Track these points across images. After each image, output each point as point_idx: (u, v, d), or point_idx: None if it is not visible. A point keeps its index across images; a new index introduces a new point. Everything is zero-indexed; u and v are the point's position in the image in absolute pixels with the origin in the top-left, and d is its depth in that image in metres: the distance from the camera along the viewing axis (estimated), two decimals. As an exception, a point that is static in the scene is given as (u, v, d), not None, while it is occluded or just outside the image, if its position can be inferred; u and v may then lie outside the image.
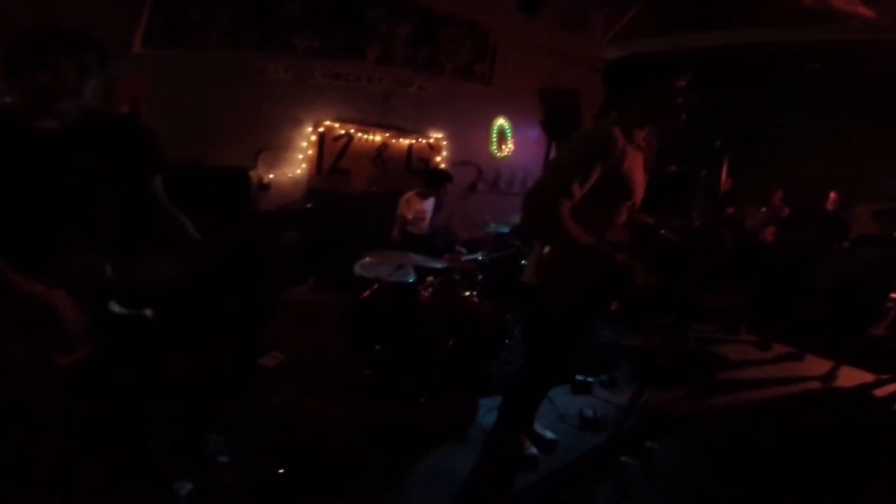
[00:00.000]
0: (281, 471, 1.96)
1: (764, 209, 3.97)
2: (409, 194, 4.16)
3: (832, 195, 3.90)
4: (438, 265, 3.32)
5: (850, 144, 4.82)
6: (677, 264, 3.22)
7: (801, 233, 3.70)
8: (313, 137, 4.45)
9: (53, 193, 1.32)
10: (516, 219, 4.49)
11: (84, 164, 1.36)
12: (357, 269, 3.27)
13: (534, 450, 2.29)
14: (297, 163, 4.46)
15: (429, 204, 4.33)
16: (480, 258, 3.77)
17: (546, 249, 1.85)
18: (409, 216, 4.09)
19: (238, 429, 2.27)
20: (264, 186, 4.26)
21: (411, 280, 3.17)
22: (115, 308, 1.38)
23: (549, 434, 2.41)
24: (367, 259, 3.34)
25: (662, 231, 1.90)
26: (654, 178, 1.97)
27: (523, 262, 3.74)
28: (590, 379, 3.00)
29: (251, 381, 2.72)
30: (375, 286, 3.03)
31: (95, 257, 1.35)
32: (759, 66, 4.85)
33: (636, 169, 1.76)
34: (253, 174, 4.02)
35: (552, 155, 5.73)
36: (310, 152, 4.47)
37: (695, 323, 3.54)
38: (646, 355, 3.21)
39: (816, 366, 3.42)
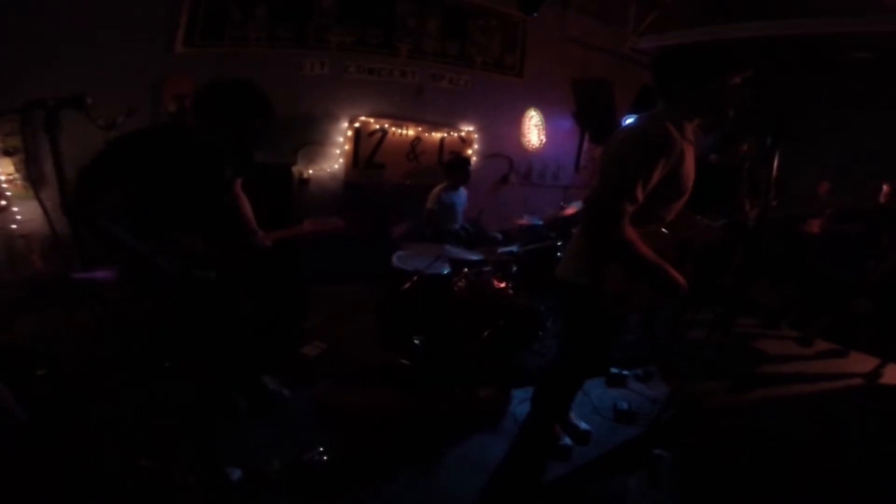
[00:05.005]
0: (325, 457, 2.06)
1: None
2: (436, 188, 4.23)
3: (884, 187, 3.72)
4: (474, 257, 3.35)
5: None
6: (718, 255, 3.16)
7: (849, 226, 3.55)
8: (349, 132, 4.53)
9: (195, 187, 1.91)
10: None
11: (217, 168, 1.99)
12: (395, 260, 3.33)
13: (567, 440, 2.32)
14: (334, 158, 4.56)
15: (459, 197, 4.37)
16: (515, 250, 3.78)
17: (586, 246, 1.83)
18: (434, 207, 4.16)
19: (281, 416, 2.40)
20: (304, 181, 4.39)
21: (446, 272, 3.22)
22: (197, 272, 1.93)
23: (583, 425, 2.44)
24: (404, 251, 3.40)
25: (699, 217, 1.86)
26: (698, 171, 1.94)
27: (559, 254, 3.76)
28: (625, 372, 3.00)
29: (293, 370, 2.82)
30: (415, 278, 3.07)
31: (198, 235, 1.94)
32: (803, 55, 4.64)
33: (690, 164, 1.71)
34: (294, 169, 4.15)
35: (585, 146, 5.66)
36: (346, 147, 4.55)
37: (736, 318, 3.46)
38: (685, 349, 3.17)
39: (861, 363, 3.30)
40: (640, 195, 1.55)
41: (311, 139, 4.40)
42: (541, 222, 4.49)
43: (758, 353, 3.27)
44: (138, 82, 3.60)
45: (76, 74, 3.17)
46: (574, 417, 2.46)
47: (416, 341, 3.03)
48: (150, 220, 1.85)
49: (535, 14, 4.35)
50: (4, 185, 3.26)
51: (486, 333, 3.00)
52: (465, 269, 3.30)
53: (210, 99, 1.83)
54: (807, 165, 4.18)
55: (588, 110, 4.97)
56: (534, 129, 5.52)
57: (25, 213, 3.32)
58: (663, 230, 1.74)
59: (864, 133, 4.74)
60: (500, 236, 4.54)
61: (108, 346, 2.40)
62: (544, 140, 5.58)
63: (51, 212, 1.44)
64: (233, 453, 2.04)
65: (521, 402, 2.65)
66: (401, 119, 4.73)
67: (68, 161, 3.49)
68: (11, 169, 3.27)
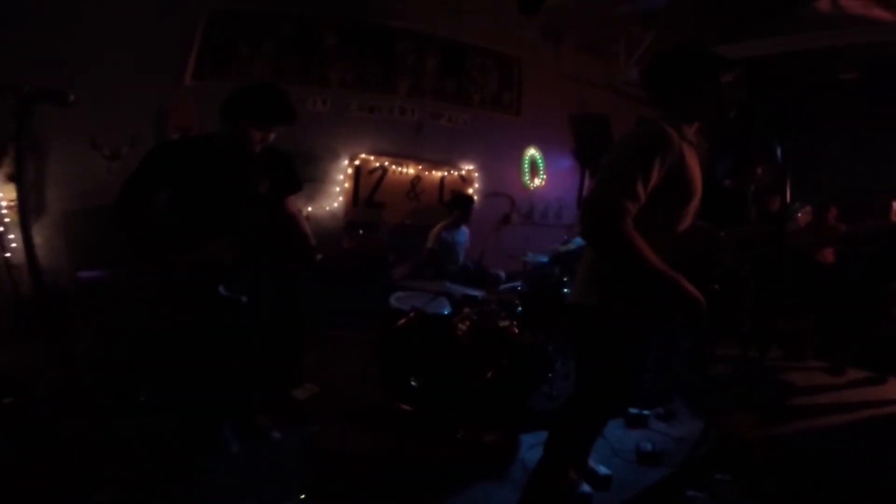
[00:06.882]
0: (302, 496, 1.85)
1: (800, 213, 3.72)
2: (437, 227, 4.20)
3: (894, 205, 3.62)
4: (475, 293, 3.23)
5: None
6: (735, 288, 3.04)
7: (865, 247, 3.44)
8: (349, 170, 4.54)
9: (224, 195, 1.89)
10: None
11: (249, 179, 1.95)
12: (392, 301, 3.25)
13: (586, 487, 2.09)
14: (334, 195, 4.54)
15: (460, 235, 4.30)
16: (519, 287, 3.67)
17: (604, 265, 1.71)
18: (435, 247, 4.10)
19: (266, 458, 2.21)
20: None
21: (447, 312, 3.11)
22: (222, 290, 1.84)
23: (602, 469, 2.21)
24: (402, 292, 3.33)
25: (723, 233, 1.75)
26: (706, 192, 1.86)
27: (565, 290, 3.63)
28: (645, 412, 2.79)
29: (283, 413, 2.63)
30: (411, 313, 2.96)
31: (225, 246, 1.85)
32: (792, 80, 4.74)
33: (695, 166, 1.65)
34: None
35: (586, 182, 5.64)
36: (346, 185, 4.55)
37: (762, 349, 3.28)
38: (710, 384, 2.97)
39: None
40: (641, 193, 1.47)
41: (311, 176, 4.38)
42: (545, 260, 4.38)
43: (787, 386, 3.05)
44: (144, 111, 3.65)
45: (83, 102, 3.21)
46: (592, 462, 2.23)
47: (413, 383, 2.84)
48: (187, 231, 1.87)
49: (536, 14, 4.28)
50: (4, 212, 3.21)
51: (490, 374, 2.81)
52: (467, 309, 3.18)
53: (238, 100, 1.86)
54: (811, 191, 4.14)
55: (587, 146, 4.97)
56: (534, 168, 5.52)
57: (21, 241, 3.28)
58: (675, 238, 1.64)
59: (858, 153, 4.73)
60: (502, 274, 4.42)
61: (85, 375, 2.26)
62: (545, 178, 5.57)
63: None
64: (207, 495, 1.87)
65: (530, 448, 2.43)
66: (401, 157, 4.75)
67: (74, 192, 3.52)
68: (14, 195, 3.24)
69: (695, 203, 1.67)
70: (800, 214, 3.47)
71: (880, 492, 1.99)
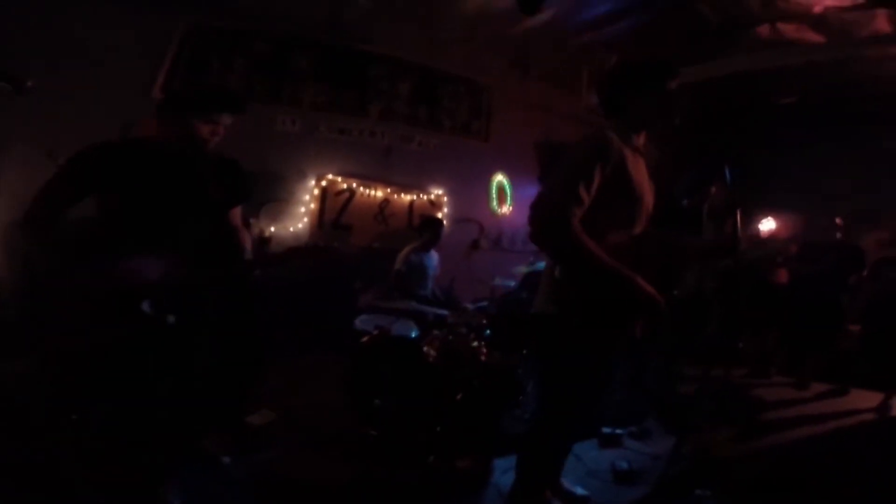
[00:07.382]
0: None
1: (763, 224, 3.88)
2: (405, 249, 4.14)
3: (838, 221, 3.84)
4: (443, 312, 3.18)
5: (836, 173, 4.88)
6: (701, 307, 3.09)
7: (815, 264, 3.62)
8: (316, 191, 4.48)
9: (165, 201, 1.69)
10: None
11: (196, 183, 1.75)
12: (358, 323, 3.17)
13: (564, 509, 2.00)
14: (298, 216, 4.45)
15: (429, 259, 4.24)
16: (486, 305, 3.62)
17: (557, 271, 1.73)
18: (403, 269, 4.04)
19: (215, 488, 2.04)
20: (265, 240, 4.19)
21: (414, 335, 3.05)
22: (146, 307, 1.59)
23: (579, 490, 2.13)
24: (368, 315, 3.26)
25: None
26: (663, 209, 1.91)
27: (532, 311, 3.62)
28: (618, 431, 2.76)
29: (236, 439, 2.45)
30: (376, 332, 2.89)
31: (157, 260, 1.61)
32: (741, 102, 5.07)
33: (640, 173, 1.72)
34: (254, 226, 3.96)
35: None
36: (312, 206, 4.48)
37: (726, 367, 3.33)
38: (681, 401, 2.98)
39: (864, 399, 3.18)
40: (584, 195, 1.53)
41: (275, 196, 4.30)
42: (513, 283, 4.37)
43: (757, 401, 3.11)
44: (108, 122, 3.50)
45: (41, 109, 3.07)
46: (568, 483, 2.16)
47: (378, 403, 2.71)
48: (113, 241, 1.66)
49: (536, 14, 4.16)
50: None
51: (459, 396, 2.72)
52: (436, 331, 3.14)
53: (179, 94, 1.81)
54: (763, 209, 4.34)
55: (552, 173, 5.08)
56: (502, 194, 5.58)
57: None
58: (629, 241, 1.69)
59: (806, 172, 5.03)
60: (470, 306, 4.36)
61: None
62: (513, 204, 5.64)
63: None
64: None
65: (504, 472, 2.34)
66: (369, 179, 4.73)
67: (20, 203, 3.29)
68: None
69: (644, 207, 1.74)
70: (763, 225, 3.62)
71: (858, 500, 1.99)
